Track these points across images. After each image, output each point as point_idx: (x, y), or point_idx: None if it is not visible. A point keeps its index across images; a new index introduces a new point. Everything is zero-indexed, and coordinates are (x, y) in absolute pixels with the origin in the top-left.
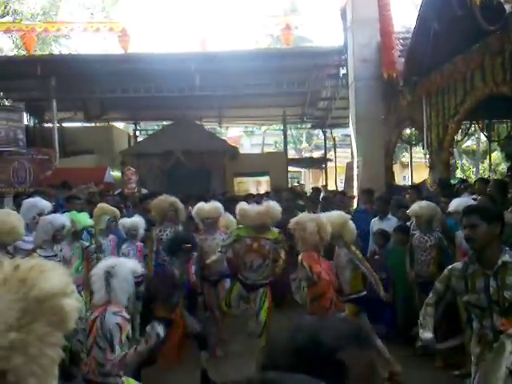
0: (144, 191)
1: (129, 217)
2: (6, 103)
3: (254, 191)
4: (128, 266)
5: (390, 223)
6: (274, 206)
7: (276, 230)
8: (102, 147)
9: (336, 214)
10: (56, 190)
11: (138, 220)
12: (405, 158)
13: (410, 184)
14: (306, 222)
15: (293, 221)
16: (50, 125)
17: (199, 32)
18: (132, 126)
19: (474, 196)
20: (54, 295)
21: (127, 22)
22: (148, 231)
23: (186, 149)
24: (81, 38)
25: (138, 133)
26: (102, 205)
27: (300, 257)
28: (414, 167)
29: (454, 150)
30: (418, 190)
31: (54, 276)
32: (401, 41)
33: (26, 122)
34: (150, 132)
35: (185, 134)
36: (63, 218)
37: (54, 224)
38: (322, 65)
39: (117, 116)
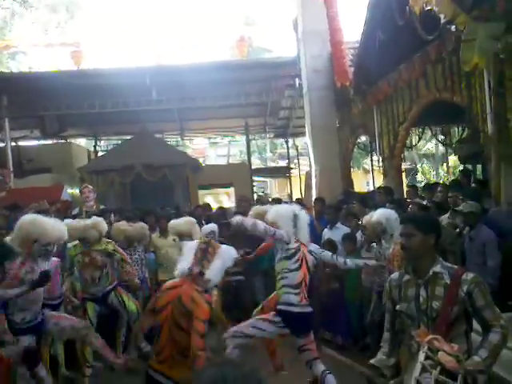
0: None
1: None
2: None
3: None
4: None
5: (339, 232)
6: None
7: (105, 240)
8: (61, 165)
9: (185, 218)
10: (10, 211)
11: None
12: (367, 164)
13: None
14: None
15: None
16: (3, 144)
17: (154, 46)
18: (93, 143)
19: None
20: None
21: (79, 37)
22: None
23: (147, 163)
24: (36, 54)
25: (98, 149)
26: None
27: None
28: (375, 173)
29: (414, 154)
30: (362, 200)
31: None
32: (351, 51)
33: None
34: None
35: (144, 148)
36: None
37: None
38: (280, 75)
39: (76, 133)
